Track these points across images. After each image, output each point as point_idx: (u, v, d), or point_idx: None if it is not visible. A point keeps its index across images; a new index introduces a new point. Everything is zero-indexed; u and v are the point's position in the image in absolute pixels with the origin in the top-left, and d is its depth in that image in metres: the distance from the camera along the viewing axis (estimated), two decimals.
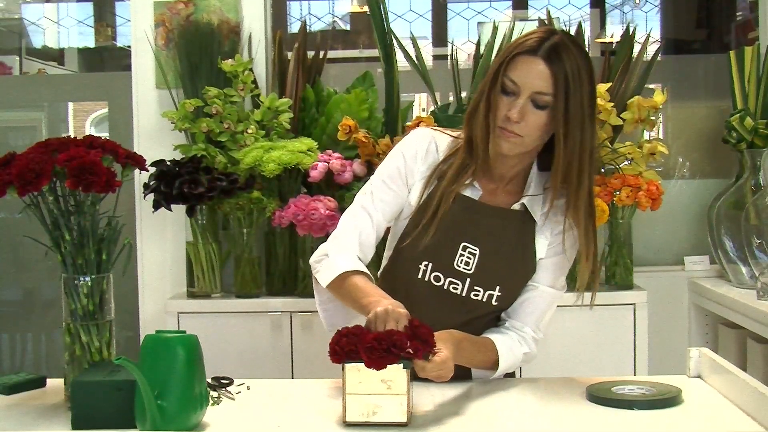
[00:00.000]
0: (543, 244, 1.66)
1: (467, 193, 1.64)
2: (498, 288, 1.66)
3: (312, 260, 1.68)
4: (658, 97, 2.54)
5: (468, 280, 1.65)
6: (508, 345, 1.66)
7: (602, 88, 2.54)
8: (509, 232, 1.64)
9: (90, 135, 1.57)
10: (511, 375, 1.79)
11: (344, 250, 1.63)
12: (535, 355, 1.71)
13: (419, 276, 1.66)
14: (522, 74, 1.53)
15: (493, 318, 1.72)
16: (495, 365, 1.65)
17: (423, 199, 1.65)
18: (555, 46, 1.52)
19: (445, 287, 1.65)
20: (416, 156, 1.67)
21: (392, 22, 2.73)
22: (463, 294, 1.65)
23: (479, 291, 1.65)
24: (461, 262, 1.64)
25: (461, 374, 1.64)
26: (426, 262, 1.65)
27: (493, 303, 1.67)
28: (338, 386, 1.42)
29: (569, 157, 1.55)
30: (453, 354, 1.47)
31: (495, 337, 1.66)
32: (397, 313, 1.40)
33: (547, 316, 1.72)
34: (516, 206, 1.65)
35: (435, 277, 1.65)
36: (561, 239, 1.65)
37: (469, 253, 1.64)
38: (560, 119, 1.52)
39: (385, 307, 1.41)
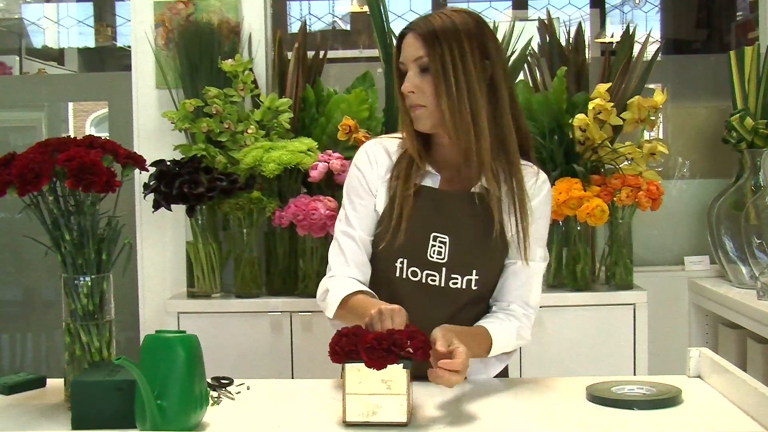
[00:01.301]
0: (512, 221, 1.68)
1: (427, 183, 1.68)
2: (474, 272, 1.67)
3: (318, 300, 1.71)
4: (658, 97, 2.54)
5: (444, 269, 1.66)
6: (497, 324, 1.66)
7: (602, 88, 2.54)
8: (474, 215, 1.66)
9: (90, 135, 1.57)
10: (504, 374, 1.78)
11: (340, 279, 1.67)
12: (529, 333, 1.71)
13: (397, 274, 1.67)
14: (403, 53, 1.64)
15: (481, 309, 1.72)
16: (489, 350, 1.64)
17: (387, 202, 1.68)
18: (423, 17, 1.63)
19: (424, 281, 1.66)
20: (370, 165, 1.72)
21: (392, 22, 2.73)
22: (442, 284, 1.66)
23: (457, 278, 1.66)
24: (434, 253, 1.66)
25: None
26: (401, 259, 1.66)
27: (473, 288, 1.67)
28: (338, 386, 1.42)
29: (454, 105, 1.60)
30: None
31: (484, 322, 1.66)
32: (390, 310, 1.41)
33: (534, 290, 1.72)
34: (476, 188, 1.67)
35: (412, 272, 1.67)
36: (528, 213, 1.67)
37: (440, 242, 1.66)
38: (439, 71, 1.59)
39: (379, 308, 1.42)
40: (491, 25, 1.71)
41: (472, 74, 1.59)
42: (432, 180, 1.68)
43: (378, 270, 1.70)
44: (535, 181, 1.70)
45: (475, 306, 1.71)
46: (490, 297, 1.73)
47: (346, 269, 1.68)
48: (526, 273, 1.70)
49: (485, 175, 1.64)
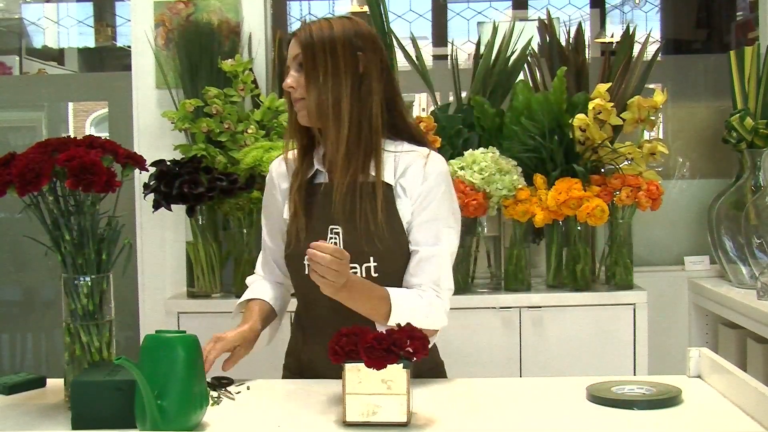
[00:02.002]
0: (407, 205, 1.70)
1: (320, 179, 1.75)
2: (372, 259, 1.68)
3: None
4: (658, 97, 2.54)
5: None
6: (402, 292, 1.66)
7: (602, 88, 2.54)
8: (364, 204, 1.69)
9: (90, 135, 1.57)
10: (441, 374, 1.79)
11: (250, 287, 1.89)
12: (445, 317, 1.69)
13: (306, 272, 1.69)
14: (288, 56, 1.73)
15: None
16: (389, 315, 1.63)
17: (291, 210, 1.76)
18: (305, 23, 1.72)
19: None
20: (273, 181, 1.84)
21: (392, 22, 2.72)
22: None
23: (355, 267, 1.67)
24: (332, 244, 1.67)
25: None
26: (307, 256, 1.68)
27: (374, 275, 1.68)
28: (338, 386, 1.42)
29: (320, 94, 1.66)
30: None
31: (389, 288, 1.65)
32: (211, 341, 1.68)
33: (443, 273, 1.71)
34: (363, 177, 1.70)
35: None
36: (422, 196, 1.69)
37: (335, 233, 1.70)
38: (309, 63, 1.68)
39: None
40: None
41: (339, 65, 1.67)
42: (324, 175, 1.75)
43: (292, 271, 1.77)
44: (424, 165, 1.71)
45: None
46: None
47: (261, 275, 1.90)
48: (434, 257, 1.70)
49: (337, 163, 1.69)
